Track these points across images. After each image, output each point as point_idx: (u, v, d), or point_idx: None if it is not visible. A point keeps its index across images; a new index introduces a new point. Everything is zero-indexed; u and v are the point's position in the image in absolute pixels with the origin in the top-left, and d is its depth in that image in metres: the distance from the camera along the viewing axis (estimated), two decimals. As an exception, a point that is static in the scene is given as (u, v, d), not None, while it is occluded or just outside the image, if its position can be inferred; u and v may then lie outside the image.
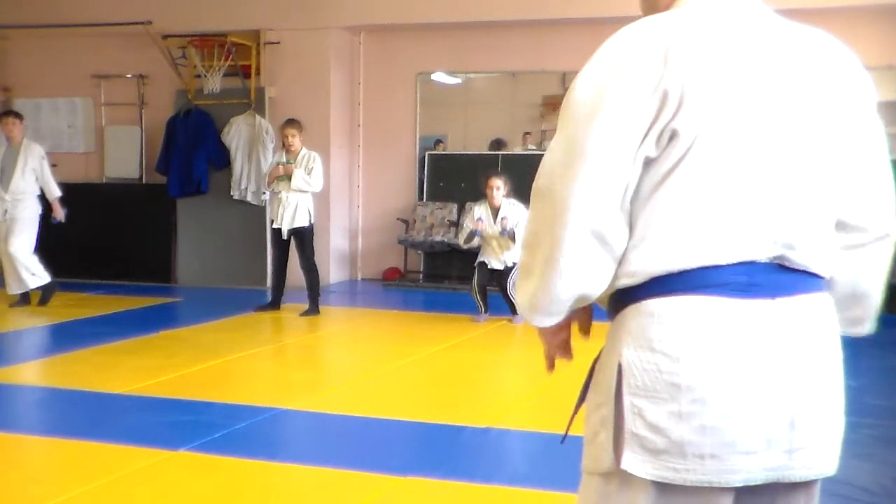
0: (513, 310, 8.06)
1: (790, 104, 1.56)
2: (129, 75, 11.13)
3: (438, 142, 11.23)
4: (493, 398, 5.73)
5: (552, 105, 10.73)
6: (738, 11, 1.60)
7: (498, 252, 8.14)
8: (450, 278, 10.55)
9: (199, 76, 10.54)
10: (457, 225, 10.55)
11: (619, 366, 1.54)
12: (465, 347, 7.20)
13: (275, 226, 8.53)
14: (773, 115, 1.54)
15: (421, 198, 10.92)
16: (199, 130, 10.45)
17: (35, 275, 8.74)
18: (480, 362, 6.75)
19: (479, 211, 8.20)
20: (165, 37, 10.36)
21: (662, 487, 1.51)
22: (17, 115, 9.02)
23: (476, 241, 8.21)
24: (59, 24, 10.89)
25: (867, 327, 1.76)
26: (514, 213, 8.03)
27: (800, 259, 1.55)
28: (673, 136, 1.49)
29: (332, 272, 10.72)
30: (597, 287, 1.57)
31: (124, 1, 10.68)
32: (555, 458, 4.42)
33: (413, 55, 10.83)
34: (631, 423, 1.52)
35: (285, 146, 8.54)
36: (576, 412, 1.74)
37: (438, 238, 10.46)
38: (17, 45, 11.41)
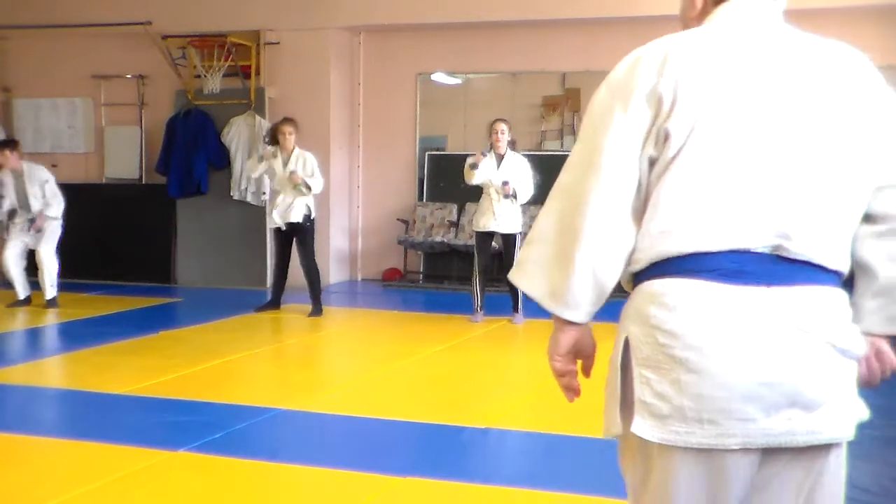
0: (515, 305, 8.05)
1: (790, 104, 1.68)
2: (128, 75, 11.13)
3: (438, 149, 11.21)
4: (493, 398, 5.73)
5: (552, 105, 10.73)
6: (751, 25, 1.76)
7: (496, 204, 8.07)
8: (450, 278, 10.55)
9: (199, 76, 10.54)
10: (457, 225, 10.56)
11: (627, 340, 1.73)
12: (465, 347, 7.20)
13: (271, 223, 8.56)
14: (768, 115, 1.67)
15: (421, 198, 10.92)
16: (198, 131, 10.45)
17: (53, 286, 8.82)
18: (480, 362, 6.75)
19: (485, 160, 8.09)
20: (165, 37, 10.36)
21: (674, 448, 1.67)
22: (9, 146, 8.93)
23: (476, 176, 8.07)
24: (59, 24, 10.90)
25: None
26: (517, 167, 7.99)
27: (798, 249, 1.65)
28: (667, 136, 1.67)
29: (332, 272, 10.72)
30: (612, 277, 1.75)
31: (124, 1, 10.69)
32: (555, 458, 4.42)
33: (413, 55, 10.83)
34: (640, 392, 1.69)
35: (280, 143, 8.50)
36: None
37: (438, 238, 10.46)
38: (17, 45, 11.40)
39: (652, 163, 1.70)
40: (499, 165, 8.09)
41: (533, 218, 9.55)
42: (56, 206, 8.84)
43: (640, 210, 1.71)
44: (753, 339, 1.62)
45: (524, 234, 8.33)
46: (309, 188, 8.31)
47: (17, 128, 11.48)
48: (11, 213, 8.86)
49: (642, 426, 1.69)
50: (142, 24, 10.39)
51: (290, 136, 8.43)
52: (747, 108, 1.67)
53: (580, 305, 1.77)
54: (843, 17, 8.54)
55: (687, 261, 1.66)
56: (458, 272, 10.43)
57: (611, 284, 1.75)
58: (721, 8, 1.80)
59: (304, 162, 8.38)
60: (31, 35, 11.19)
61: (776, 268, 1.65)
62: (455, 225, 10.57)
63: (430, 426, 4.92)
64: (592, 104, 1.76)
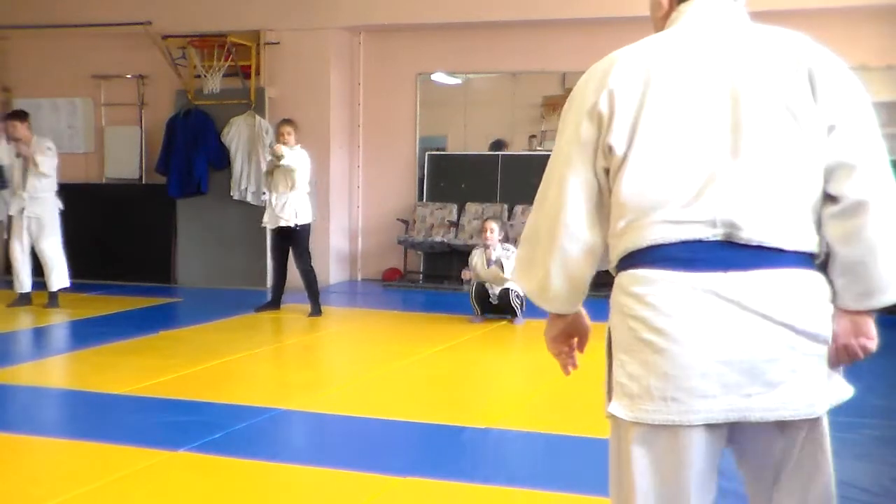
0: (514, 314, 8.06)
1: (730, 96, 1.77)
2: (129, 75, 11.13)
3: (439, 149, 11.21)
4: (493, 398, 5.73)
5: (552, 105, 10.74)
6: (705, 25, 1.86)
7: (495, 288, 8.12)
8: (450, 279, 10.54)
9: (199, 76, 10.54)
10: (457, 225, 10.56)
11: (609, 329, 1.91)
12: (465, 347, 7.20)
13: (263, 224, 8.60)
14: (707, 109, 1.77)
15: (421, 198, 10.92)
16: (198, 131, 10.45)
17: (62, 276, 8.81)
18: (480, 362, 6.75)
19: (476, 256, 8.19)
20: (165, 37, 10.36)
21: (641, 425, 1.81)
22: (19, 117, 8.96)
23: (469, 277, 8.23)
24: (59, 24, 10.90)
25: (877, 299, 1.82)
26: (505, 257, 7.99)
27: (748, 236, 1.75)
28: (610, 148, 1.82)
29: (332, 272, 10.72)
30: (581, 274, 1.93)
31: (124, 1, 10.69)
32: (555, 458, 4.42)
33: (413, 55, 10.83)
34: (617, 374, 1.86)
35: (280, 143, 8.49)
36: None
37: (438, 238, 10.46)
38: (17, 45, 11.41)
39: (606, 171, 1.86)
40: (489, 264, 8.11)
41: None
42: (49, 163, 8.72)
43: (607, 212, 1.88)
44: (710, 320, 1.74)
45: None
46: (281, 157, 8.20)
47: (17, 128, 11.47)
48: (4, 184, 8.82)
49: (616, 406, 1.85)
50: (142, 24, 10.40)
51: (288, 136, 8.43)
52: (685, 106, 1.78)
53: (558, 299, 1.97)
54: (844, 17, 8.54)
55: (646, 253, 1.81)
56: (458, 272, 10.41)
57: (583, 281, 1.95)
58: (681, 7, 1.92)
59: (299, 156, 8.40)
60: (31, 35, 11.19)
61: (729, 254, 1.76)
62: (455, 225, 10.57)
63: (430, 426, 4.92)
64: (561, 116, 1.93)
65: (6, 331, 7.94)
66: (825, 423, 1.87)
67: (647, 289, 1.80)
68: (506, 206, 10.45)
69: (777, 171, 1.76)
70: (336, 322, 8.58)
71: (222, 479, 4.10)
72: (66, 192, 9.14)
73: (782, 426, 1.81)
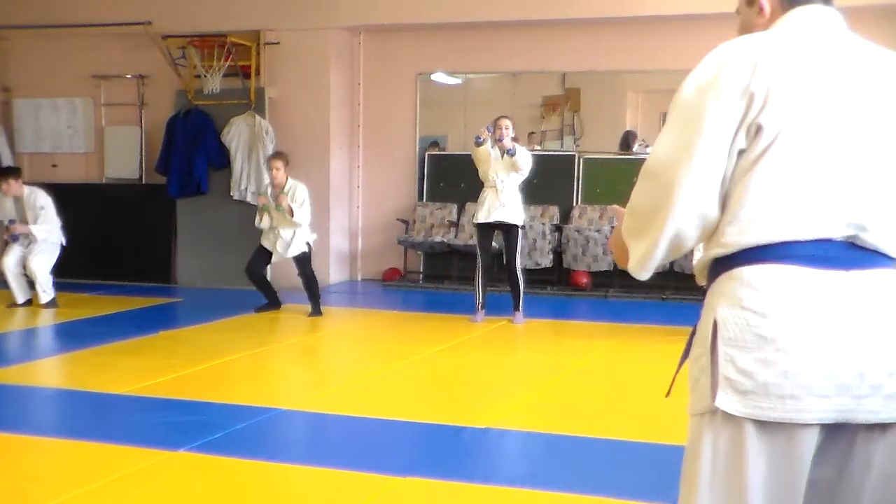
0: (516, 304, 8.06)
1: (863, 106, 1.84)
2: (129, 75, 11.13)
3: (434, 143, 11.21)
4: (493, 398, 5.73)
5: (552, 105, 10.74)
6: (823, 31, 1.91)
7: (500, 194, 8.07)
8: (450, 279, 10.55)
9: (199, 76, 10.54)
10: (457, 225, 10.56)
11: (715, 322, 1.83)
12: (465, 347, 7.20)
13: (268, 247, 8.56)
14: (846, 115, 1.82)
15: (421, 198, 10.92)
16: (198, 131, 10.45)
17: (46, 292, 8.85)
18: (480, 362, 6.74)
19: (486, 150, 8.14)
20: (165, 37, 10.35)
21: (754, 422, 1.80)
22: (12, 175, 8.99)
23: (480, 142, 8.14)
24: (59, 24, 10.89)
25: None
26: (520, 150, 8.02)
27: (871, 240, 1.81)
28: (759, 130, 1.80)
29: (332, 272, 10.72)
30: (684, 250, 1.92)
31: (124, 1, 10.68)
32: (555, 458, 4.42)
33: (413, 55, 10.83)
34: (724, 369, 1.81)
35: (271, 180, 8.54)
36: (678, 370, 2.02)
37: (438, 238, 10.46)
38: (17, 45, 11.41)
39: (740, 154, 1.82)
40: (502, 156, 8.08)
41: (532, 217, 9.46)
42: (45, 228, 8.85)
43: (723, 196, 1.85)
44: (835, 320, 1.77)
45: (525, 229, 8.35)
46: (292, 214, 8.30)
47: (16, 128, 11.48)
48: (15, 239, 8.91)
49: (726, 400, 1.81)
50: (142, 24, 10.39)
51: (278, 172, 8.45)
52: (828, 110, 1.81)
53: (651, 270, 1.96)
54: (843, 18, 8.53)
55: (777, 248, 1.80)
56: (458, 272, 10.43)
57: (683, 254, 1.94)
58: (791, 14, 1.94)
59: (293, 192, 8.41)
60: (31, 35, 11.19)
61: (854, 254, 1.81)
62: (455, 225, 10.57)
63: (430, 426, 4.92)
64: (679, 102, 1.88)
65: (6, 331, 7.94)
66: None
67: (778, 284, 1.79)
68: (506, 206, 10.44)
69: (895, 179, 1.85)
70: (336, 322, 8.58)
71: (222, 479, 4.10)
72: (66, 192, 9.14)
73: (883, 428, 1.85)
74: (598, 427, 4.80)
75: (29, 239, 8.85)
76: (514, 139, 8.20)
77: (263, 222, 8.57)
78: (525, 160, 8.04)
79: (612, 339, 7.29)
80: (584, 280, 9.86)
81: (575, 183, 10.38)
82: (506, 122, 8.13)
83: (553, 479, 4.04)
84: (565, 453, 4.46)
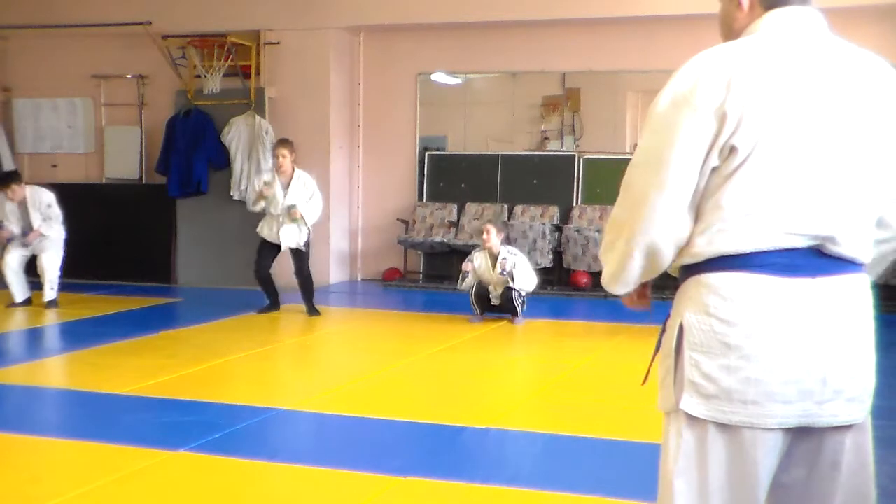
0: (514, 314, 8.06)
1: (835, 120, 1.84)
2: (128, 75, 11.14)
3: (435, 148, 11.19)
4: (493, 398, 5.73)
5: (552, 105, 10.73)
6: (799, 38, 1.89)
7: (497, 290, 8.10)
8: (450, 279, 10.53)
9: (199, 76, 10.54)
10: (457, 225, 10.56)
11: (681, 326, 1.88)
12: (465, 347, 7.20)
13: (270, 239, 8.45)
14: (818, 131, 1.83)
15: (421, 198, 10.92)
16: (198, 131, 10.45)
17: (53, 290, 8.86)
18: (480, 362, 6.74)
19: (478, 258, 8.14)
20: (165, 37, 10.36)
21: (717, 424, 1.85)
22: (15, 180, 8.98)
23: (469, 281, 8.17)
24: (59, 24, 10.90)
25: None
26: (511, 259, 7.98)
27: (837, 249, 1.83)
28: (732, 150, 1.81)
29: (332, 272, 10.72)
30: (662, 266, 1.92)
31: (124, 1, 10.68)
32: (555, 458, 4.42)
33: (413, 55, 10.83)
34: (689, 373, 1.86)
35: (277, 167, 8.40)
36: (652, 362, 2.08)
37: (438, 238, 10.46)
38: (17, 45, 11.41)
39: (713, 171, 1.84)
40: (494, 265, 8.03)
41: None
42: (55, 227, 8.87)
43: (695, 209, 1.87)
44: (800, 327, 1.80)
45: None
46: (306, 223, 8.29)
47: (17, 128, 11.49)
48: (10, 241, 8.91)
49: (690, 403, 1.86)
50: (142, 24, 10.39)
51: (285, 160, 8.29)
52: (801, 126, 1.82)
53: (629, 285, 1.98)
54: (843, 18, 8.47)
55: (745, 258, 1.83)
56: (458, 272, 10.40)
57: (659, 272, 1.94)
58: (768, 17, 1.92)
59: (303, 185, 8.34)
60: (31, 35, 11.19)
61: (819, 262, 1.83)
62: (455, 225, 10.57)
63: (430, 426, 4.92)
64: (655, 114, 1.89)
65: (6, 331, 7.94)
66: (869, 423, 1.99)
67: (744, 293, 1.82)
68: (506, 206, 10.46)
69: (862, 192, 1.87)
70: (336, 322, 8.58)
71: (222, 479, 4.10)
72: (67, 191, 9.14)
73: (848, 427, 1.91)
74: (598, 427, 4.80)
75: (40, 239, 8.85)
76: (505, 242, 8.23)
77: (258, 206, 8.46)
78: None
79: (612, 339, 7.29)
80: (584, 280, 9.87)
81: (575, 183, 10.38)
82: (488, 227, 8.07)
83: (553, 479, 4.05)
84: (565, 453, 4.46)
